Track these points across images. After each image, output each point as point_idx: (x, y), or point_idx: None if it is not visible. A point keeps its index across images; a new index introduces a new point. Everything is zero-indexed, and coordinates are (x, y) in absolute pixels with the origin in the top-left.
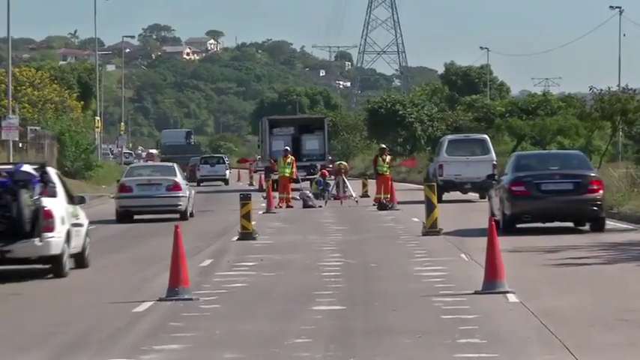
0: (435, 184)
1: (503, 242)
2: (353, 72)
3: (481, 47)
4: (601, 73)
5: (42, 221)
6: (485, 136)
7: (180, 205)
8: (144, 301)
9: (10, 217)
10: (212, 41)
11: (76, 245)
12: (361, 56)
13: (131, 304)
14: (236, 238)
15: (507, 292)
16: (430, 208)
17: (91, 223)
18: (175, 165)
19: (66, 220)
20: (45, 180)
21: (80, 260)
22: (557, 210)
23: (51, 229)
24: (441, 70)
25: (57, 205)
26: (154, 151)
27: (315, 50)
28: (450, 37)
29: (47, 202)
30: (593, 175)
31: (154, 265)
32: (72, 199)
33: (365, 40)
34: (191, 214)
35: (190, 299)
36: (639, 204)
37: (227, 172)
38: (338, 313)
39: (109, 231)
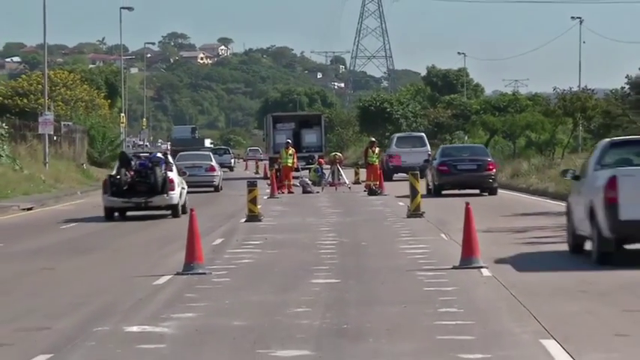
0: (418, 172)
1: (478, 223)
2: (346, 74)
3: (459, 52)
4: (564, 75)
5: (168, 185)
6: (423, 134)
7: (214, 181)
8: (163, 275)
9: (149, 182)
10: (223, 47)
11: (182, 200)
12: (354, 60)
13: (152, 278)
14: (244, 219)
15: (481, 267)
16: (414, 193)
17: None
18: (211, 153)
19: (179, 185)
20: (167, 161)
21: (184, 209)
22: (466, 182)
23: (173, 189)
24: (423, 72)
25: (175, 175)
26: None
27: (313, 55)
28: (432, 43)
29: (170, 174)
30: (489, 159)
31: (173, 243)
32: (179, 173)
33: (357, 46)
34: (220, 188)
35: (204, 273)
36: None
37: (232, 160)
38: (333, 286)
39: None
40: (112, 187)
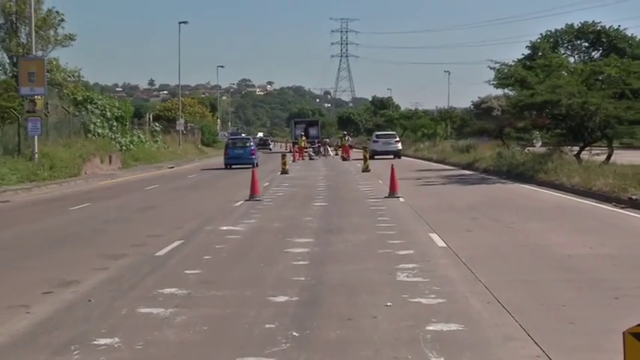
0: (367, 147)
1: (397, 174)
2: (332, 100)
3: (388, 88)
4: (440, 99)
5: (270, 145)
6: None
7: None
8: (238, 201)
9: (266, 144)
10: (269, 86)
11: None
12: (335, 92)
13: (233, 202)
14: (279, 172)
15: (399, 197)
16: (364, 159)
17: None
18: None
19: (273, 146)
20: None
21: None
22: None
23: (270, 145)
24: (370, 98)
25: (271, 144)
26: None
27: (314, 90)
28: (375, 82)
29: (270, 144)
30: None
31: (243, 185)
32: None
33: (337, 85)
34: (257, 165)
35: (259, 200)
36: (458, 158)
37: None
38: (324, 207)
39: (224, 169)
40: (257, 145)
